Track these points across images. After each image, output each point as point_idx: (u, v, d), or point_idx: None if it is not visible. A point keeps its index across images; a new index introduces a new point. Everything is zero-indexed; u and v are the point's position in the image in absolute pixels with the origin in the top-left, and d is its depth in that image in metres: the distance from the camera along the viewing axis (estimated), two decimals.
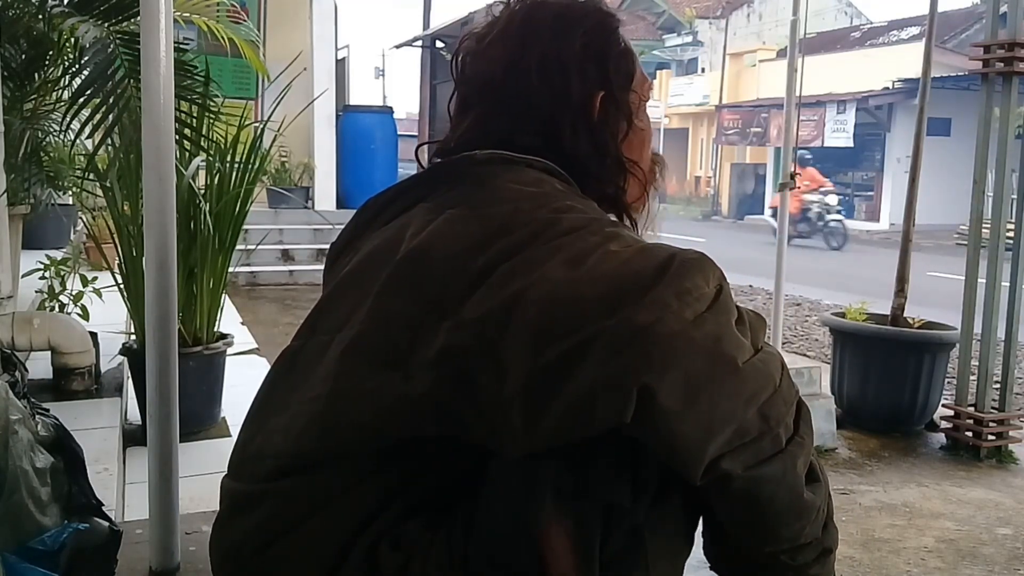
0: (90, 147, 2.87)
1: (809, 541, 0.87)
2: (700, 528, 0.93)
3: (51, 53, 3.14)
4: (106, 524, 1.30)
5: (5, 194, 2.98)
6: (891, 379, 3.45)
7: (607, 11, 1.04)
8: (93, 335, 2.84)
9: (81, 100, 2.63)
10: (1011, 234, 3.28)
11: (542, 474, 0.79)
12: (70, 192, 3.85)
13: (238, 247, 2.98)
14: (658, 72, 25.99)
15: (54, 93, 3.35)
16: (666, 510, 0.84)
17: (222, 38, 3.41)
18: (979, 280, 3.31)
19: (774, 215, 7.88)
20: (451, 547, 0.83)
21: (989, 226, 3.33)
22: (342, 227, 1.06)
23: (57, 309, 3.12)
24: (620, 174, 1.02)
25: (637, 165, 1.03)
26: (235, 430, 2.72)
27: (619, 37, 1.03)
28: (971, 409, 3.30)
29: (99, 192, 3.01)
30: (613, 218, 1.00)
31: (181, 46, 2.77)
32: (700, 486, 0.78)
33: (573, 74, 0.99)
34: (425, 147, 1.08)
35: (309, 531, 0.85)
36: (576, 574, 0.79)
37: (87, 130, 2.61)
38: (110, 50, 2.54)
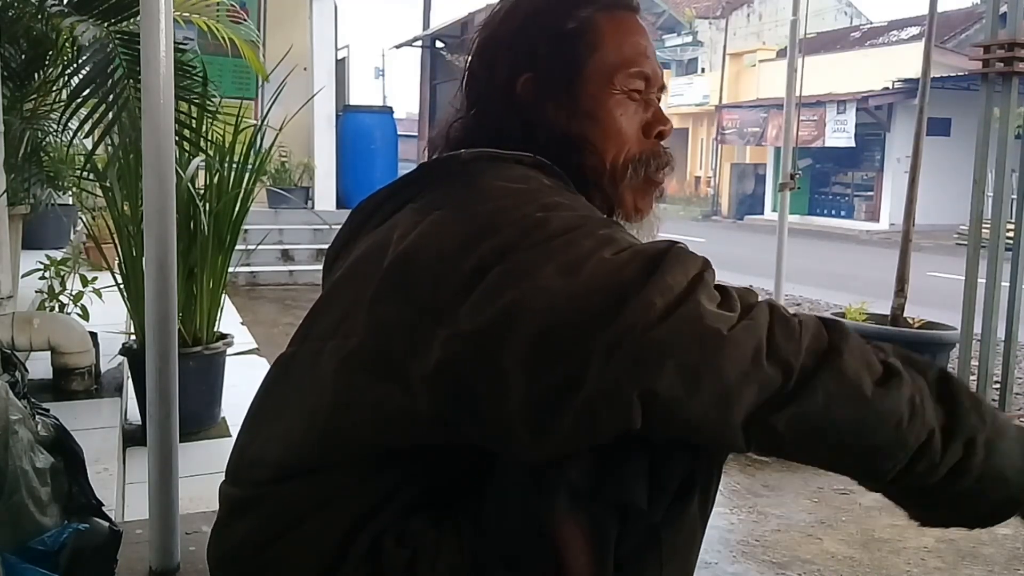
0: (89, 147, 2.88)
1: (923, 440, 0.75)
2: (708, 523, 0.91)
3: (50, 53, 3.14)
4: (106, 524, 1.30)
5: (5, 194, 2.98)
6: None
7: None
8: (93, 335, 2.84)
9: (79, 100, 2.63)
10: (1011, 234, 3.28)
11: (554, 474, 0.78)
12: (70, 192, 3.84)
13: (238, 247, 2.98)
14: None
15: (53, 93, 3.35)
16: (685, 508, 0.83)
17: (222, 38, 3.41)
18: (979, 280, 3.31)
19: None
20: (461, 545, 0.82)
21: (989, 226, 3.33)
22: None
23: (57, 309, 3.12)
24: (570, 153, 0.98)
25: (591, 143, 0.98)
26: (235, 430, 2.70)
27: (571, 19, 0.98)
28: None
29: (99, 192, 3.00)
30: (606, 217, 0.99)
31: (181, 46, 2.77)
32: (759, 451, 0.75)
33: (501, 56, 1.00)
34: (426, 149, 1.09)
35: (307, 530, 0.85)
36: (591, 573, 0.79)
37: (86, 129, 2.61)
38: (108, 49, 2.54)
